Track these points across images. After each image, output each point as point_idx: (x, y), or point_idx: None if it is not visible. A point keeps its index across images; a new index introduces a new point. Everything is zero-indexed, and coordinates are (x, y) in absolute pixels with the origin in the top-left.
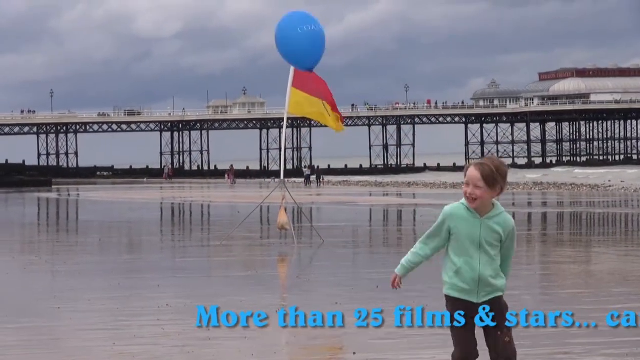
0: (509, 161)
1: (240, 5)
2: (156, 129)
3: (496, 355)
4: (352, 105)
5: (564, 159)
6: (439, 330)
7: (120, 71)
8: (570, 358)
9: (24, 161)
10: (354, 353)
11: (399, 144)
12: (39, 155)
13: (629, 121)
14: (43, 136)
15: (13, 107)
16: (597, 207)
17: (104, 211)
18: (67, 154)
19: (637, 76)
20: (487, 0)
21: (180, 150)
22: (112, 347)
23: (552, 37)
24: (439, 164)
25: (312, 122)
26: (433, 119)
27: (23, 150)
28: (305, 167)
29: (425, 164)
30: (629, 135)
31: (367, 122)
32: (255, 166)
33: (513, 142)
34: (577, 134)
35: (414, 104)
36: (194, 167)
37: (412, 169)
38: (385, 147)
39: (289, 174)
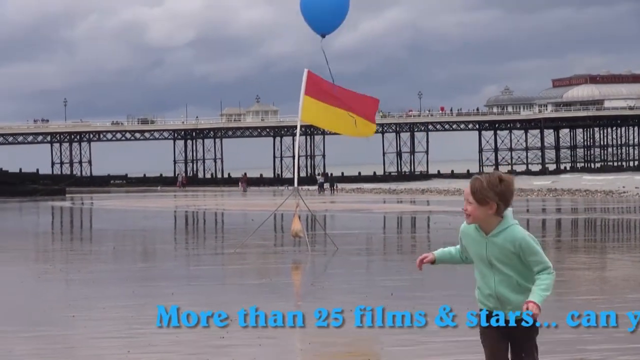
0: (522, 168)
1: (253, 14)
2: (169, 137)
3: None
4: None
5: (578, 165)
6: (456, 337)
7: (134, 80)
8: None
9: (37, 170)
10: None
11: (412, 151)
12: (53, 164)
13: None
14: (57, 145)
15: (27, 116)
16: (611, 213)
17: (118, 219)
18: (80, 162)
19: None
20: (500, 7)
21: (194, 158)
22: (127, 355)
23: (566, 44)
24: (452, 171)
25: (326, 130)
26: (446, 126)
27: (37, 159)
28: (318, 174)
29: (438, 171)
30: None
31: (380, 129)
32: (268, 174)
33: (527, 149)
34: (591, 140)
35: (429, 110)
36: (208, 175)
37: (425, 176)
38: (399, 154)
39: (302, 181)
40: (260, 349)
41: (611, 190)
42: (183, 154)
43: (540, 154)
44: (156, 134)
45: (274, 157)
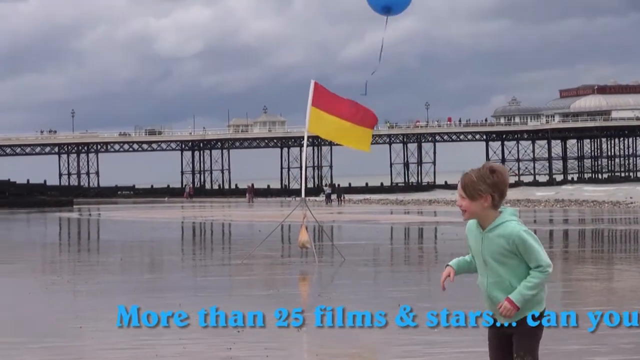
0: (529, 178)
1: (261, 25)
2: (177, 148)
3: None
4: None
5: (585, 175)
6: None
7: (141, 91)
8: None
9: (45, 181)
10: None
11: (419, 162)
12: (60, 175)
13: None
14: (64, 156)
15: (35, 127)
16: (618, 224)
17: (125, 230)
18: (88, 173)
19: None
20: (508, 17)
21: (201, 169)
22: None
23: (573, 54)
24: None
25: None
26: (454, 137)
27: (44, 170)
28: (325, 185)
29: (446, 182)
30: None
31: (387, 140)
32: (276, 185)
33: (534, 159)
34: (599, 151)
35: (437, 121)
36: (215, 186)
37: (432, 187)
38: (406, 164)
39: (309, 192)
40: None
41: (618, 201)
42: (190, 165)
43: (547, 164)
44: (164, 145)
45: (282, 167)
